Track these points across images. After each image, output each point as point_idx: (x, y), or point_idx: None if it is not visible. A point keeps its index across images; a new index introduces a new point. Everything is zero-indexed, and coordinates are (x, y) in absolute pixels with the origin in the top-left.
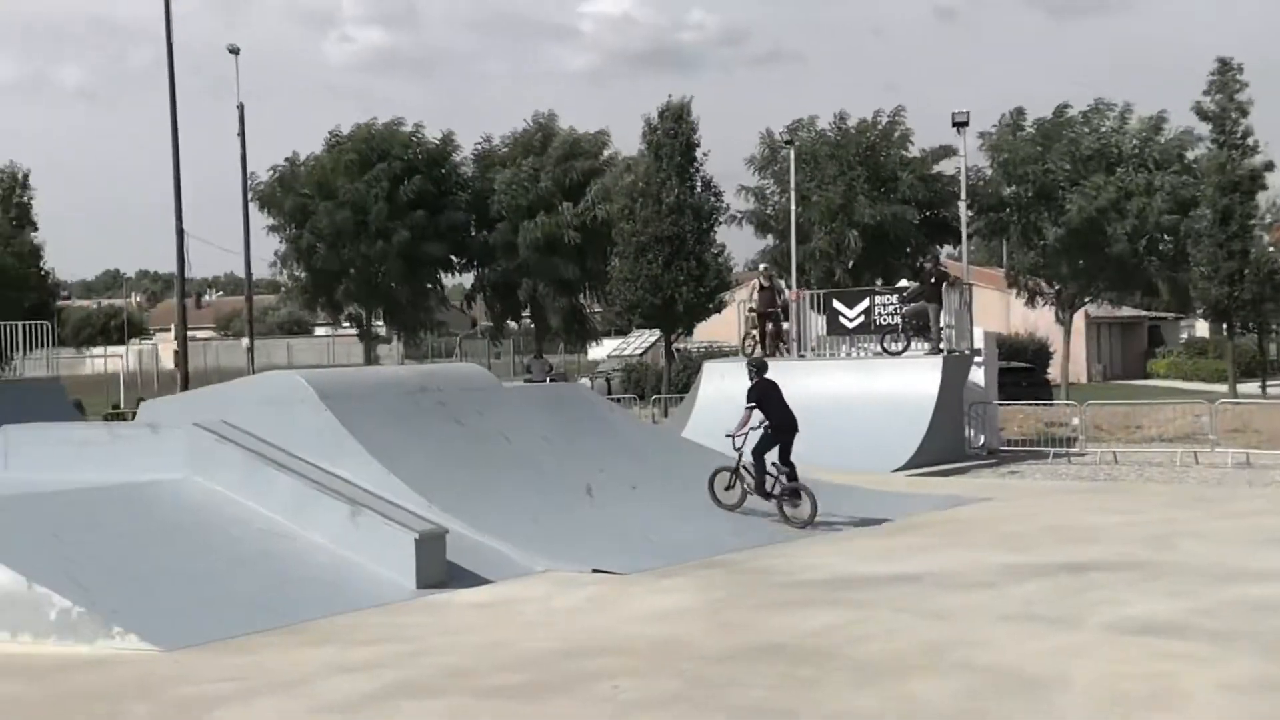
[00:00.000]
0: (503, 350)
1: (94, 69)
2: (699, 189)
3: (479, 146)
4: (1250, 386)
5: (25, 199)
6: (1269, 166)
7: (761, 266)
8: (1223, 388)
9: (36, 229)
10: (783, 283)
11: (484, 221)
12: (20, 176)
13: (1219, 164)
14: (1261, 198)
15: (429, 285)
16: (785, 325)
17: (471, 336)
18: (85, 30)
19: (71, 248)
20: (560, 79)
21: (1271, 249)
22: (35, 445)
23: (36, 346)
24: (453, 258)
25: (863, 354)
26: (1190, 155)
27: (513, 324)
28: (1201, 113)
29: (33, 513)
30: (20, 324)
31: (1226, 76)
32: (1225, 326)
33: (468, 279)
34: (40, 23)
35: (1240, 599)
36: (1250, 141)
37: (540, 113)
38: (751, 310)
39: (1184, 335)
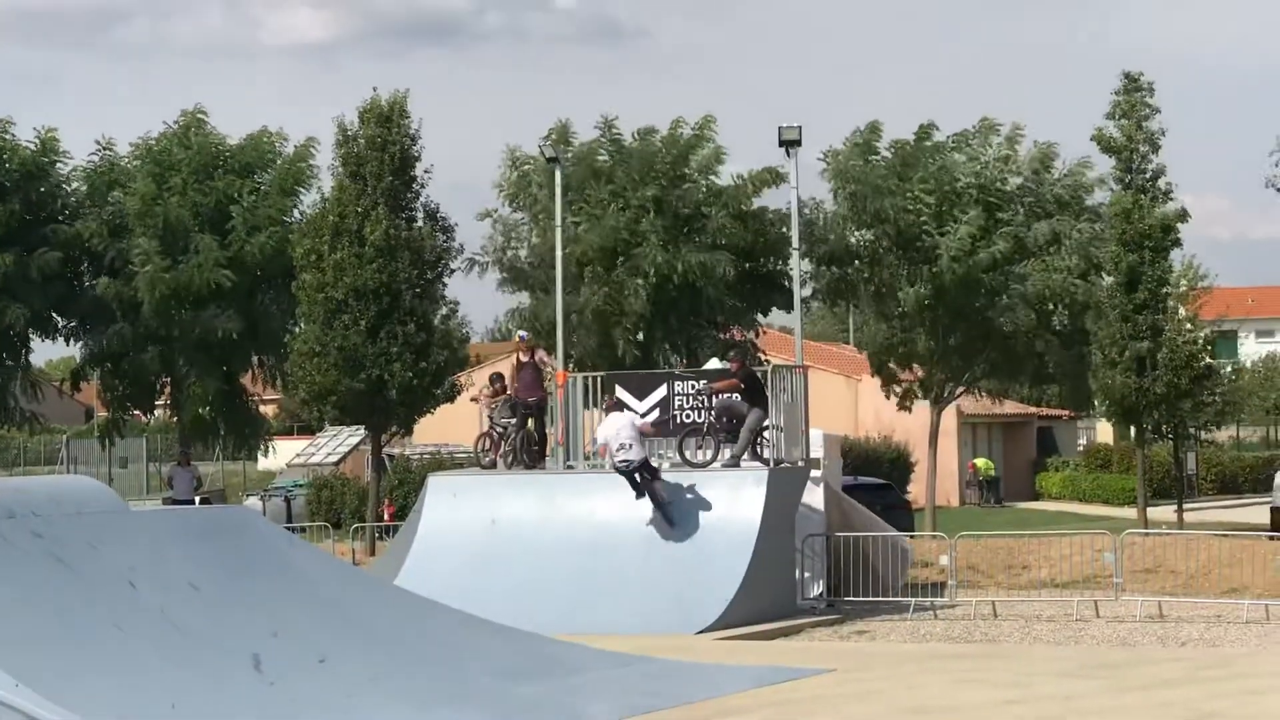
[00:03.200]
0: (130, 455)
1: None
2: (420, 221)
3: (97, 156)
4: (1164, 510)
5: None
6: (1182, 216)
7: (519, 333)
8: (1130, 512)
9: None
10: (544, 356)
11: (98, 265)
12: None
13: (1123, 209)
14: (1175, 256)
15: (12, 360)
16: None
17: (83, 435)
18: None
19: None
20: (256, 54)
21: (1189, 326)
22: None
23: None
24: (55, 316)
25: (656, 464)
26: (1090, 198)
27: (142, 415)
28: (1104, 142)
29: None
30: None
31: (1134, 97)
32: (1133, 430)
33: (75, 350)
34: None
35: None
36: (1162, 184)
37: (186, 109)
38: (495, 396)
39: (1082, 440)
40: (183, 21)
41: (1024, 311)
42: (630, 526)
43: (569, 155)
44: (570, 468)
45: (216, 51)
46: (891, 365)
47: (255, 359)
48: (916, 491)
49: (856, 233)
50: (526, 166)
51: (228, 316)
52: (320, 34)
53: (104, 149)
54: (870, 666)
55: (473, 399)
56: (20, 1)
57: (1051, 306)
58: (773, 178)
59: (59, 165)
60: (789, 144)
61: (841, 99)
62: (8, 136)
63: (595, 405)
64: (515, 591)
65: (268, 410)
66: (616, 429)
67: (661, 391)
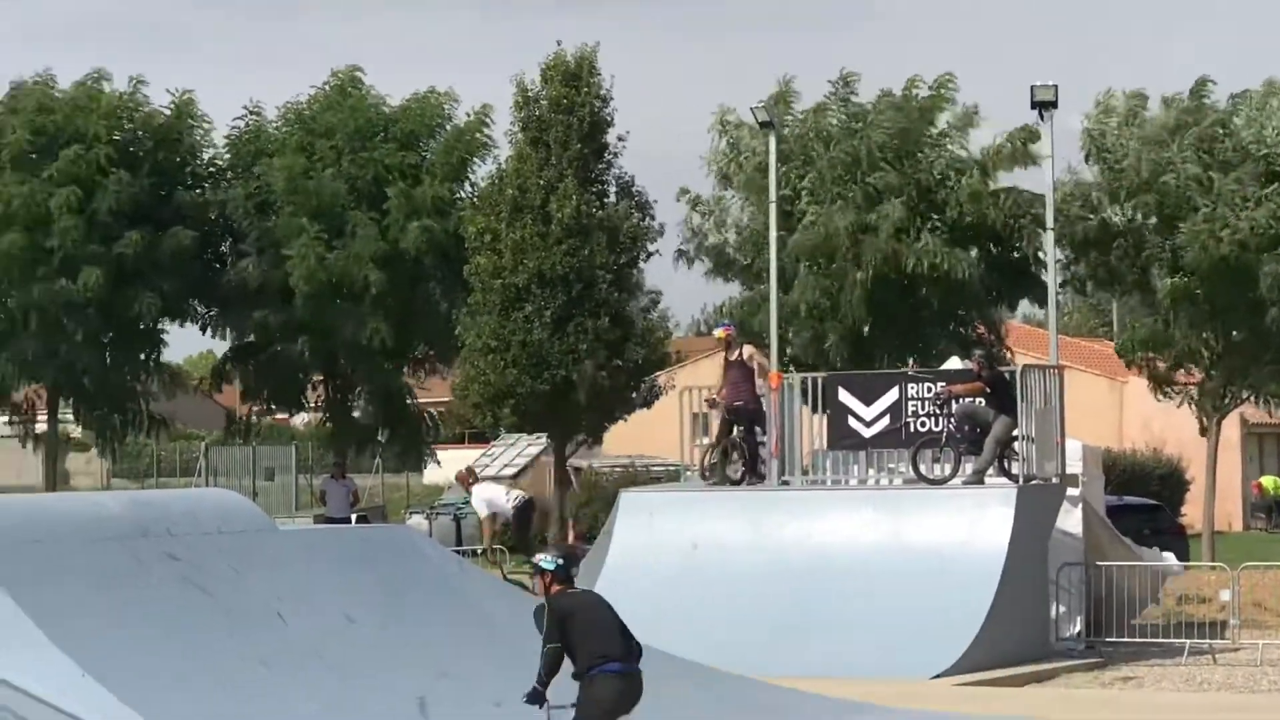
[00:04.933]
0: (277, 465)
1: None
2: (613, 197)
3: (241, 122)
4: None
5: None
6: None
7: (718, 329)
8: None
9: None
10: (753, 351)
11: (241, 245)
12: None
13: None
14: None
15: (150, 353)
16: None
17: (224, 442)
18: None
19: None
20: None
21: None
22: None
23: None
24: (195, 304)
25: (887, 480)
26: None
27: (293, 420)
28: None
29: None
30: None
31: None
32: None
33: (213, 341)
34: None
35: None
36: None
37: (339, 69)
38: (716, 401)
39: None
40: None
41: None
42: (854, 552)
43: (789, 121)
44: (785, 483)
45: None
46: (1159, 364)
47: (418, 356)
48: (1192, 514)
49: (1114, 208)
50: (739, 133)
51: (380, 317)
52: None
53: (250, 112)
54: None
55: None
56: None
57: None
58: (1030, 137)
59: (197, 131)
60: (1043, 105)
61: (1101, 60)
62: (140, 97)
63: (818, 410)
64: (718, 626)
65: (435, 416)
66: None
67: (892, 395)
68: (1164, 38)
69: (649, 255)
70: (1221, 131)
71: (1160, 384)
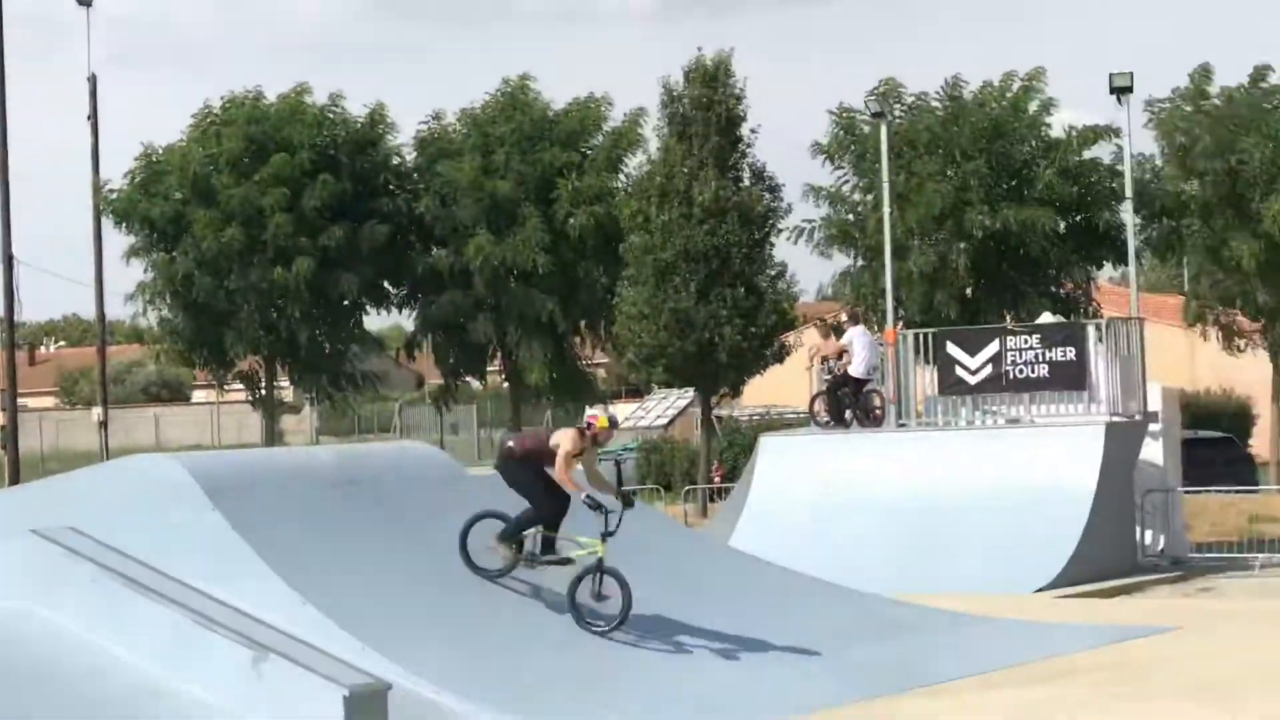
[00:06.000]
0: (460, 421)
1: None
2: (747, 182)
3: (425, 126)
4: None
5: None
6: None
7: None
8: None
9: None
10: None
11: (428, 236)
12: None
13: None
14: None
15: (351, 327)
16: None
17: (416, 402)
18: None
19: None
20: (581, 22)
21: None
22: None
23: None
24: (387, 286)
25: (991, 421)
26: None
27: (475, 382)
28: None
29: None
30: None
31: None
32: None
33: (406, 319)
34: None
35: None
36: None
37: (510, 78)
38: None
39: None
40: None
41: None
42: (964, 485)
43: (898, 112)
44: (902, 426)
45: (554, 18)
46: (1226, 315)
47: (581, 324)
48: (1260, 445)
49: (1184, 184)
50: (858, 120)
51: (547, 295)
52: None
53: (433, 118)
54: (1219, 625)
55: (808, 367)
56: None
57: None
58: (1104, 133)
59: (388, 137)
60: (1120, 90)
61: (1176, 41)
62: (337, 109)
63: (929, 362)
64: (849, 552)
65: (596, 374)
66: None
67: (993, 347)
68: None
69: (779, 231)
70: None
71: (1228, 334)
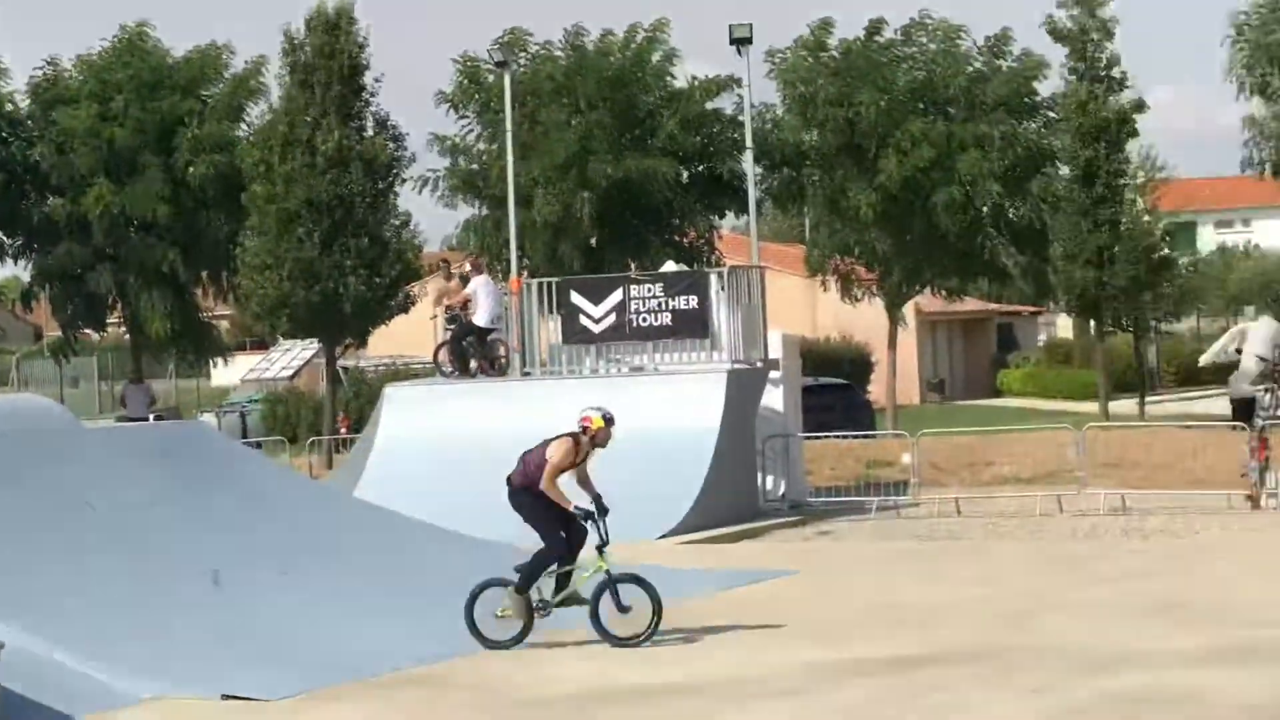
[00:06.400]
0: (81, 374)
1: None
2: (370, 131)
3: (39, 73)
4: (1126, 404)
5: None
6: (1139, 107)
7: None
8: (1092, 407)
9: None
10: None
11: (44, 185)
12: None
13: (1079, 102)
14: (1132, 148)
15: None
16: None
17: (34, 355)
18: None
19: None
20: None
21: (1148, 218)
22: None
23: None
24: (1, 236)
25: (615, 370)
26: (1042, 92)
27: (94, 334)
28: (1055, 31)
29: None
30: None
31: None
32: (1093, 324)
33: (23, 270)
34: None
35: (1122, 692)
36: (1116, 73)
37: (128, 24)
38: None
39: (1042, 336)
40: None
41: (953, 190)
42: None
43: (522, 62)
44: (526, 374)
45: None
46: (845, 264)
47: (203, 274)
48: (877, 391)
49: (805, 134)
50: (481, 68)
51: (168, 245)
52: None
53: (48, 63)
54: (834, 567)
55: (432, 317)
56: None
57: (998, 202)
58: (725, 84)
59: (0, 83)
60: (740, 41)
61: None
62: None
63: (553, 311)
64: (475, 501)
65: (220, 326)
66: None
67: (617, 296)
68: None
69: (403, 181)
70: (911, 53)
71: (848, 285)
